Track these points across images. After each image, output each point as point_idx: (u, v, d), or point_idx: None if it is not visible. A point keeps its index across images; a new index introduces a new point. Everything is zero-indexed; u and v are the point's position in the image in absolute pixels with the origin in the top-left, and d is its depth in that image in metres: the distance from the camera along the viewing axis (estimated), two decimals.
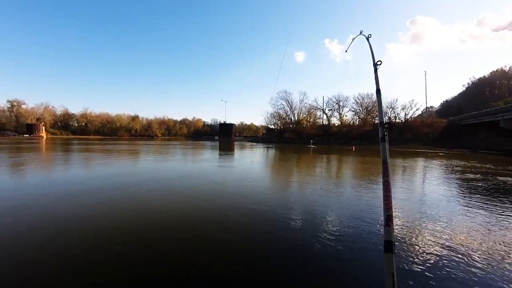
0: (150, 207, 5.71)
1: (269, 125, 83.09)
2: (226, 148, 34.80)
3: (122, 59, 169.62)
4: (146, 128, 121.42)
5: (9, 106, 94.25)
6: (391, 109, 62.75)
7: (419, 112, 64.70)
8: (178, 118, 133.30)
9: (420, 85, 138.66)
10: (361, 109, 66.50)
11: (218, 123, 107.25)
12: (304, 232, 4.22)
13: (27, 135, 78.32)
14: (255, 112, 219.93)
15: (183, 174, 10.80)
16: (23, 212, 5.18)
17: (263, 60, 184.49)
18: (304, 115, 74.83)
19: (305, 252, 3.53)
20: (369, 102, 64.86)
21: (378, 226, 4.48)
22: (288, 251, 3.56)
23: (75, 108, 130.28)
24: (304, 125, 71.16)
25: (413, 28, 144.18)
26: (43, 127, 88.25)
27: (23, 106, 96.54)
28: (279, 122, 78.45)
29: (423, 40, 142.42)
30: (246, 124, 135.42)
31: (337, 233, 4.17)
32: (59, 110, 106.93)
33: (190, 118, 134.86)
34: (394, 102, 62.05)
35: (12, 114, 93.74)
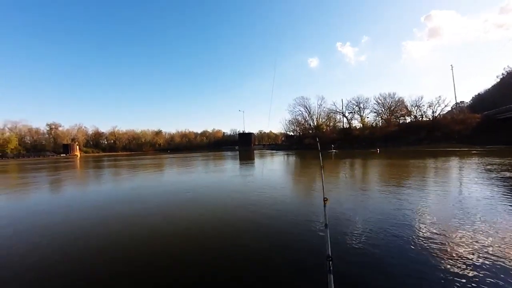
0: (172, 217, 5.89)
1: (288, 132, 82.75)
2: (246, 158, 35.04)
3: (144, 78, 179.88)
4: (169, 141, 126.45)
5: (48, 129, 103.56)
6: (416, 107, 59.72)
7: (448, 108, 60.81)
8: (199, 130, 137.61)
9: (447, 81, 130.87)
10: (383, 109, 64.07)
11: (237, 133, 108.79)
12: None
13: (64, 155, 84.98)
14: (273, 120, 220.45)
15: (208, 186, 11.03)
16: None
17: (278, 69, 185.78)
18: (323, 120, 73.57)
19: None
20: (391, 102, 62.43)
21: (412, 235, 4.23)
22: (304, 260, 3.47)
23: (104, 127, 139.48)
24: (324, 130, 69.80)
25: (429, 23, 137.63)
26: (77, 147, 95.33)
27: (60, 128, 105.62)
28: (298, 129, 77.82)
29: (442, 34, 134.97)
30: (265, 133, 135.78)
31: (364, 245, 4.00)
32: (90, 130, 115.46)
33: (210, 130, 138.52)
34: (420, 100, 58.98)
35: (51, 136, 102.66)
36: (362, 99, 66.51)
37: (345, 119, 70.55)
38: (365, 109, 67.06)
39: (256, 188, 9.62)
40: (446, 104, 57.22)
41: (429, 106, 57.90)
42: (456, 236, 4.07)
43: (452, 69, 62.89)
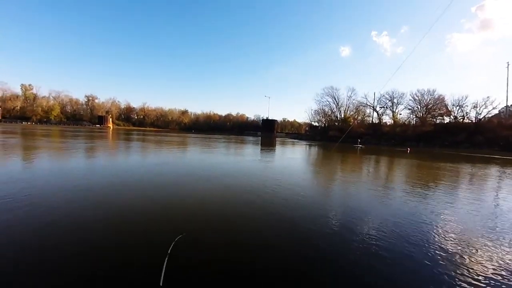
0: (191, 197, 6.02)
1: (312, 122, 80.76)
2: (267, 144, 34.89)
3: (174, 58, 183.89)
4: (194, 121, 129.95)
5: (86, 100, 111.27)
6: (458, 107, 54.38)
7: (496, 111, 54.52)
8: (223, 113, 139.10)
9: (499, 80, 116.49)
10: (419, 107, 59.35)
11: (261, 118, 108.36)
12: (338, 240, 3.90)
13: (98, 126, 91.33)
14: (298, 109, 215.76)
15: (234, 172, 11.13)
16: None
17: (307, 56, 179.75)
18: (352, 113, 70.38)
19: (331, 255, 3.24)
20: (430, 99, 57.44)
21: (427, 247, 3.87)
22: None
23: (136, 103, 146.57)
24: (351, 123, 66.90)
25: (481, 14, 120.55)
26: (111, 119, 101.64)
27: (96, 101, 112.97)
28: (323, 120, 75.46)
29: (494, 26, 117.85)
30: (288, 121, 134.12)
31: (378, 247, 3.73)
32: (123, 104, 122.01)
33: (234, 113, 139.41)
34: (463, 99, 53.46)
35: (88, 107, 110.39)
36: (397, 94, 62.14)
37: (375, 114, 66.88)
38: (399, 105, 62.81)
39: (272, 176, 9.50)
40: (494, 106, 51.34)
41: (474, 107, 52.28)
42: (476, 257, 3.64)
43: (508, 66, 55.81)
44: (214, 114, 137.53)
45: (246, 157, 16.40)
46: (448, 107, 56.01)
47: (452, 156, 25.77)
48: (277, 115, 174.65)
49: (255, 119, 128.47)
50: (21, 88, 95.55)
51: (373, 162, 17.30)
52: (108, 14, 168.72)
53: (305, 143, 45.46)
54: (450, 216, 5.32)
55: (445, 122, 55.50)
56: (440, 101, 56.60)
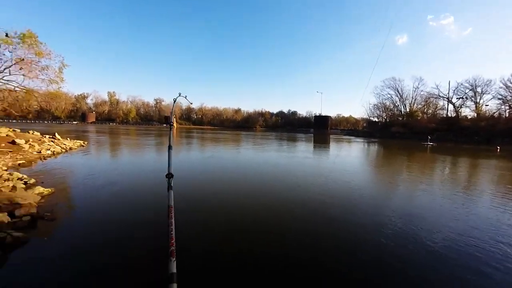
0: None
1: (371, 118, 74.16)
2: (320, 141, 33.69)
3: (228, 57, 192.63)
4: (246, 119, 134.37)
5: (155, 103, 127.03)
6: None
7: None
8: (275, 110, 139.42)
9: None
10: None
11: (313, 115, 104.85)
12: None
13: (165, 125, 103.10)
14: (354, 104, 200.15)
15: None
16: None
17: (363, 47, 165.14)
18: (419, 106, 61.86)
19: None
20: None
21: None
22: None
23: (195, 103, 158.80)
24: (419, 118, 58.87)
25: None
26: (175, 119, 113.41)
27: (163, 103, 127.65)
28: (384, 115, 68.58)
29: None
30: (343, 117, 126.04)
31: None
32: (184, 105, 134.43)
33: (285, 110, 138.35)
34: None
35: (157, 109, 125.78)
36: (481, 81, 51.57)
37: (450, 106, 57.25)
38: (484, 95, 52.03)
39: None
40: None
41: None
42: None
43: None
44: (266, 111, 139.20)
45: (299, 153, 16.24)
46: None
47: None
48: (331, 111, 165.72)
49: (308, 115, 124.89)
50: (107, 95, 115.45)
51: (448, 164, 14.96)
52: (168, 21, 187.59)
53: (362, 140, 42.19)
54: None
55: None
56: None
